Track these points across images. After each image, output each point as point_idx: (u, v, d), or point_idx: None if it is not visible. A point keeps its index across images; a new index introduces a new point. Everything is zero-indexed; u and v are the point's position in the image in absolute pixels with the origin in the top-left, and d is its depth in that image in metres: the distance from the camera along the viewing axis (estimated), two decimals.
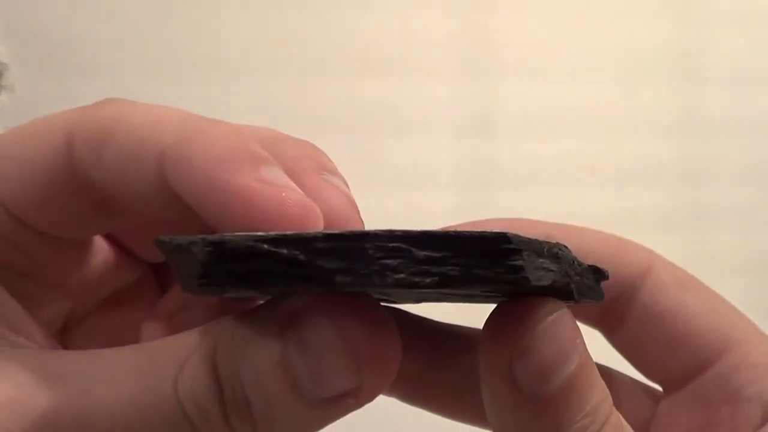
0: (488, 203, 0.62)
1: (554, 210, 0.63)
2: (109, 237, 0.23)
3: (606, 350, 0.23)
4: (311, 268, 0.16)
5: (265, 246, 0.16)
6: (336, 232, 0.17)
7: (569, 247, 0.19)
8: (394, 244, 0.16)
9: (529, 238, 0.17)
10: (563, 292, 0.18)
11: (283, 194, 0.18)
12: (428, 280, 0.16)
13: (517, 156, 0.63)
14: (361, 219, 0.20)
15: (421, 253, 0.16)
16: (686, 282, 0.23)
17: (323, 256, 0.16)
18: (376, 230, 0.17)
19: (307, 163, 0.20)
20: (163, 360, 0.17)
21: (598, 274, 0.19)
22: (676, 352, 0.22)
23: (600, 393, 0.19)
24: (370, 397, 0.18)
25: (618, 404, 0.20)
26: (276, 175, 0.18)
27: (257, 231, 0.17)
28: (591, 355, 0.19)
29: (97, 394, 0.17)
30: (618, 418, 0.19)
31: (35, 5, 0.55)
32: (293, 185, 0.19)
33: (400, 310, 0.23)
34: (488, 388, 0.19)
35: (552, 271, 0.17)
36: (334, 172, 0.21)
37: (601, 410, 0.19)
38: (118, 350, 0.18)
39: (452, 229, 0.18)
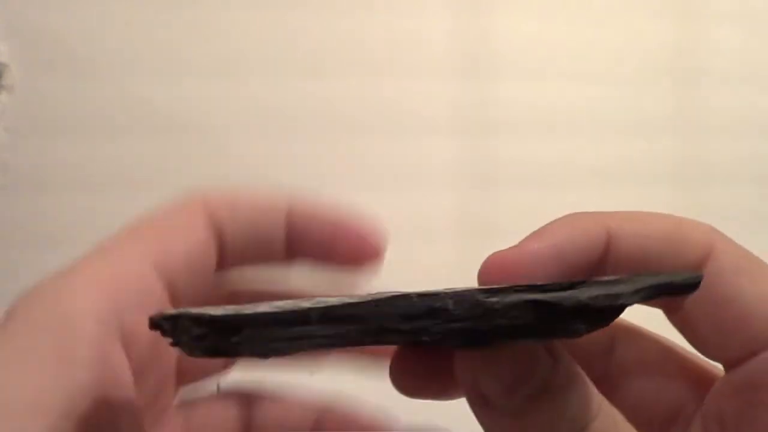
0: (488, 203, 0.62)
1: (554, 210, 0.63)
2: None
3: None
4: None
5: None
6: None
7: (629, 234, 0.21)
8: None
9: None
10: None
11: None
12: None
13: (517, 156, 0.63)
14: None
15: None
16: (745, 267, 0.23)
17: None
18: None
19: None
20: None
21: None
22: (730, 337, 0.22)
23: (577, 402, 0.20)
24: None
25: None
26: None
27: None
28: (573, 362, 0.20)
29: None
30: (602, 423, 0.20)
31: (35, 5, 0.55)
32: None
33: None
34: (468, 403, 0.21)
35: None
36: None
37: (578, 420, 0.20)
38: None
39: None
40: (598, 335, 0.24)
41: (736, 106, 0.68)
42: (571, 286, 0.18)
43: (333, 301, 0.17)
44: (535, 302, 0.18)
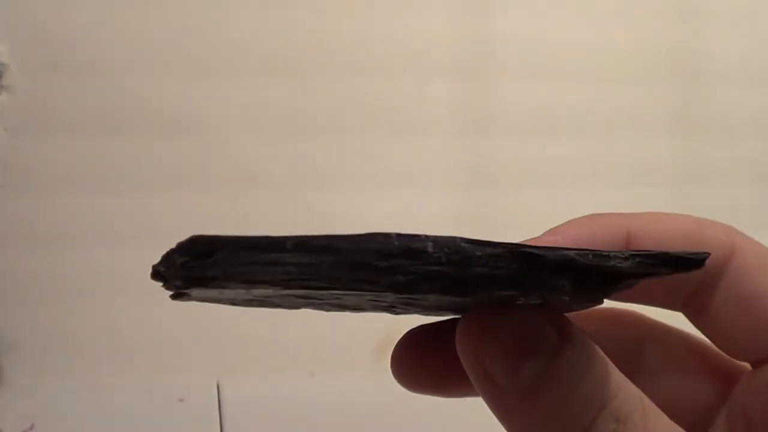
0: (488, 203, 0.62)
1: (554, 210, 0.63)
2: None
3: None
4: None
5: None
6: None
7: (649, 235, 0.20)
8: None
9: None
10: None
11: None
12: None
13: (516, 156, 0.63)
14: None
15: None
16: None
17: None
18: None
19: None
20: None
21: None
22: (757, 335, 0.22)
23: (592, 381, 0.19)
24: None
25: None
26: None
27: None
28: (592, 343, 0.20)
29: None
30: (624, 403, 0.19)
31: (35, 5, 0.55)
32: None
33: None
34: (473, 383, 0.20)
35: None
36: None
37: (594, 400, 0.19)
38: None
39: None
40: (627, 335, 0.24)
41: (736, 106, 0.67)
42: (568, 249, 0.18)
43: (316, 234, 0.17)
44: (518, 252, 0.17)
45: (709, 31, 0.67)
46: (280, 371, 0.57)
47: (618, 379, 0.20)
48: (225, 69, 0.58)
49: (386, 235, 0.17)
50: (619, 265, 0.18)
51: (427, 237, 0.17)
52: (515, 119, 0.63)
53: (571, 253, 0.18)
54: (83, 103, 0.55)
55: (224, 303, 0.20)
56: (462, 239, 0.18)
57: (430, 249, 0.17)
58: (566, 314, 0.21)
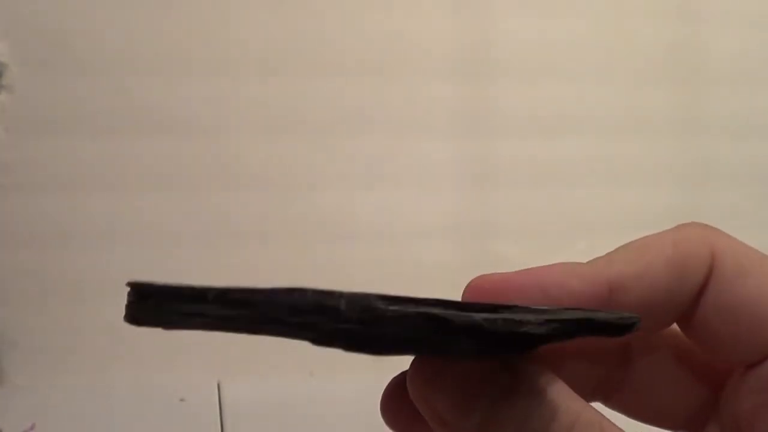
0: (487, 203, 0.62)
1: (554, 210, 0.63)
2: None
3: None
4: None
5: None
6: None
7: (630, 282, 0.21)
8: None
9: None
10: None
11: None
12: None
13: (516, 156, 0.63)
14: None
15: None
16: (748, 266, 0.22)
17: None
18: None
19: None
20: None
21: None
22: (744, 342, 0.22)
23: (543, 418, 0.19)
24: None
25: None
26: None
27: None
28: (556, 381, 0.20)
29: None
30: None
31: (35, 5, 0.55)
32: None
33: None
34: (429, 424, 0.20)
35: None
36: None
37: None
38: None
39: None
40: (614, 342, 0.24)
41: (736, 106, 0.67)
42: (495, 309, 0.18)
43: (237, 287, 0.18)
44: (426, 315, 0.17)
45: (709, 31, 0.67)
46: (280, 371, 0.58)
47: (574, 410, 0.20)
48: (225, 69, 0.58)
49: (302, 291, 0.17)
50: (531, 331, 0.18)
51: (341, 294, 0.17)
52: (515, 119, 0.63)
53: (479, 317, 0.18)
54: (83, 103, 0.55)
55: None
56: (377, 297, 0.18)
57: (342, 307, 0.17)
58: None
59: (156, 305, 0.18)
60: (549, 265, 0.22)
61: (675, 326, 0.23)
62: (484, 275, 0.22)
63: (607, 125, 0.65)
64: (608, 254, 0.23)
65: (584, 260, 0.22)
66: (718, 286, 0.22)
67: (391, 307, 0.17)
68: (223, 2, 0.58)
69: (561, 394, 0.20)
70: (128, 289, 0.18)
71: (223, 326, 0.18)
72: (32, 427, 0.50)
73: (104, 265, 0.56)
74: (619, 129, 0.65)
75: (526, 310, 0.18)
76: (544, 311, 0.18)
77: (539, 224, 0.61)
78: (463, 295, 0.22)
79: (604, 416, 0.20)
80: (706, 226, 0.23)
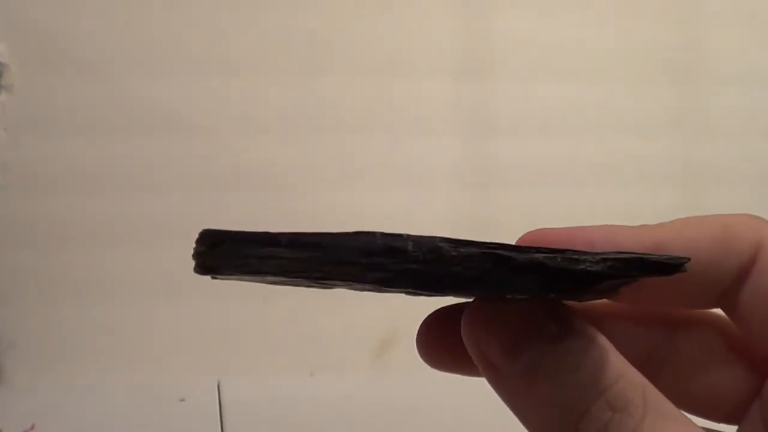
0: (488, 203, 0.62)
1: (554, 210, 0.63)
2: None
3: None
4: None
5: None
6: None
7: (678, 245, 0.21)
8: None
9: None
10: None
11: None
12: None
13: (516, 156, 0.63)
14: None
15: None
16: None
17: None
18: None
19: None
20: None
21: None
22: None
23: (587, 370, 0.20)
24: None
25: None
26: None
27: None
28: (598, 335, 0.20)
29: None
30: (623, 391, 0.20)
31: (35, 5, 0.55)
32: None
33: None
34: (478, 367, 0.21)
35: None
36: None
37: (589, 389, 0.20)
38: None
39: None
40: (657, 321, 0.24)
41: (736, 106, 0.67)
42: (553, 251, 0.19)
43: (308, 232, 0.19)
44: (489, 255, 0.18)
45: (708, 32, 0.67)
46: (280, 371, 0.58)
47: (620, 367, 0.20)
48: (225, 69, 0.58)
49: (371, 234, 0.18)
50: (589, 268, 0.19)
51: (408, 236, 0.19)
52: (515, 119, 0.63)
53: (540, 256, 0.19)
54: (83, 103, 0.55)
55: (256, 281, 0.21)
56: (442, 239, 0.19)
57: (409, 248, 0.18)
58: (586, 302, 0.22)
59: (231, 250, 0.19)
60: (597, 225, 0.23)
61: (721, 312, 0.24)
62: (535, 230, 0.23)
63: (607, 125, 0.65)
64: (657, 223, 0.24)
65: None
66: (761, 273, 0.23)
67: (457, 248, 0.18)
68: (222, 2, 0.58)
69: (609, 350, 0.20)
70: (198, 237, 0.19)
71: (297, 270, 0.19)
72: (32, 427, 0.50)
73: (104, 265, 0.56)
74: (619, 129, 0.65)
75: (583, 252, 0.19)
76: (599, 253, 0.19)
77: (539, 224, 0.61)
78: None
79: (648, 381, 0.20)
80: (759, 217, 0.24)
